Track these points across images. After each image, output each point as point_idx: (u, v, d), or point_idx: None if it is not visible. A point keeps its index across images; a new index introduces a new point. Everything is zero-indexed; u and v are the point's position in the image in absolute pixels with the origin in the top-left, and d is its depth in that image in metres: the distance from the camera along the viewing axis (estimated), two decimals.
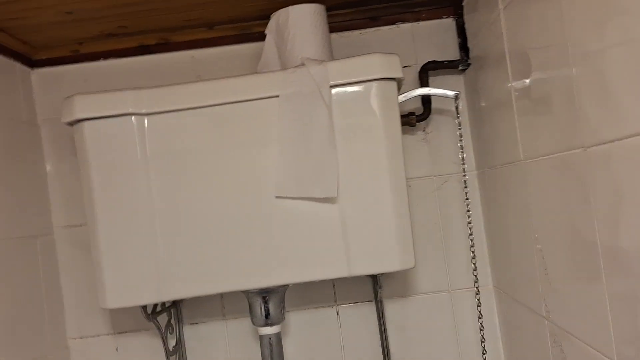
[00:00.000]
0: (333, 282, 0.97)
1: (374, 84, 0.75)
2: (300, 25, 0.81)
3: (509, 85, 0.72)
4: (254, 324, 0.83)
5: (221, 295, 0.98)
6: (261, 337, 0.83)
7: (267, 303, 0.82)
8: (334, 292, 0.97)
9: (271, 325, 0.83)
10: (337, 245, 0.76)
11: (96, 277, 0.78)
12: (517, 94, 0.70)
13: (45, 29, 0.90)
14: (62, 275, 0.99)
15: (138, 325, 0.98)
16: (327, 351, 0.97)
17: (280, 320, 0.83)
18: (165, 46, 0.98)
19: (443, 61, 0.92)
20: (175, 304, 0.96)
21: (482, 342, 0.85)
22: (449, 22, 0.96)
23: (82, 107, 0.77)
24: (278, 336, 0.84)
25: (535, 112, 0.64)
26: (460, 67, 0.92)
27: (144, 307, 0.84)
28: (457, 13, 0.94)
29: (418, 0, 0.94)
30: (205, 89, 0.77)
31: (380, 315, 0.93)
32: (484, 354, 0.84)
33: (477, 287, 0.84)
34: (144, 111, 0.77)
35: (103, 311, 0.98)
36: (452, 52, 0.96)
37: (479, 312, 0.84)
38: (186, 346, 0.98)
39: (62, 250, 0.99)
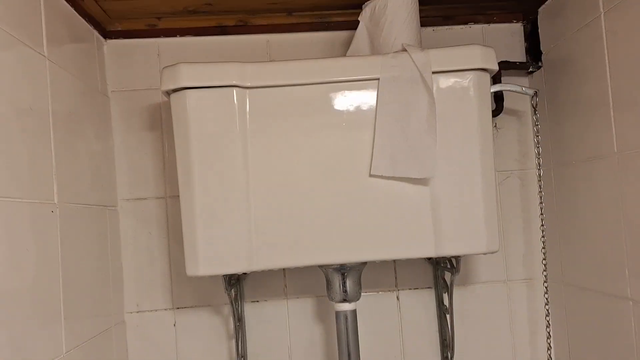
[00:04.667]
0: (395, 267, 1.00)
1: (472, 73, 0.79)
2: (398, 13, 0.84)
3: (607, 84, 0.77)
4: (331, 299, 0.85)
5: (284, 274, 0.99)
6: (337, 314, 0.85)
7: (346, 280, 0.84)
8: (395, 278, 1.00)
9: (349, 302, 0.85)
10: (426, 226, 0.79)
11: (186, 245, 0.78)
12: (615, 92, 0.75)
13: None
14: (122, 247, 0.98)
15: (196, 302, 0.98)
16: (387, 334, 0.99)
17: (357, 297, 0.85)
18: (242, 28, 1.00)
19: (515, 62, 0.97)
20: (239, 280, 0.97)
21: (547, 327, 0.89)
22: (517, 27, 1.02)
23: (188, 75, 0.78)
24: (354, 313, 0.86)
25: (633, 108, 0.70)
26: (530, 69, 0.98)
27: (226, 278, 0.84)
28: (527, 19, 1.00)
29: (491, 3, 0.99)
30: (308, 67, 0.79)
31: (450, 301, 0.94)
32: (549, 337, 0.89)
33: (545, 276, 0.88)
34: (248, 84, 0.78)
35: (162, 286, 0.98)
36: (518, 55, 1.01)
37: (546, 299, 0.88)
38: (246, 323, 0.98)
39: (125, 223, 0.98)
